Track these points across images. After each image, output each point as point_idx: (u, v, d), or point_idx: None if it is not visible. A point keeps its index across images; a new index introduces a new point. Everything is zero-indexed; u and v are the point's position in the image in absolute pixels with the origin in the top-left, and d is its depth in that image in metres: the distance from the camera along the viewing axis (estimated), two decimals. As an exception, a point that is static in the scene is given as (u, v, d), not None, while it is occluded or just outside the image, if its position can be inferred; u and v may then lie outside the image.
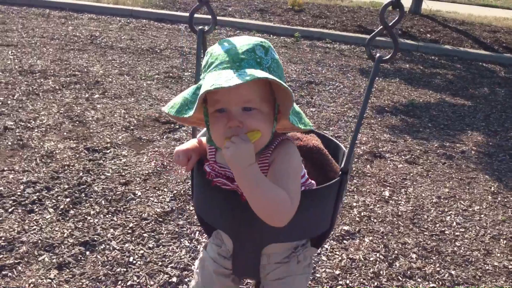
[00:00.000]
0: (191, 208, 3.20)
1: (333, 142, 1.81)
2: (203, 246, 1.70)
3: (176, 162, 1.53)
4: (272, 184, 1.22)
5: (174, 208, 3.18)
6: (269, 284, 1.53)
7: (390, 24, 1.59)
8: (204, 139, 1.57)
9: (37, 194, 3.16)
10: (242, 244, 1.46)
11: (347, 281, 2.69)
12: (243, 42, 1.27)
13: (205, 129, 1.55)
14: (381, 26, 1.60)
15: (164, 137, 4.20)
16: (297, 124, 1.29)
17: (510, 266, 2.97)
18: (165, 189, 3.39)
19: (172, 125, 4.45)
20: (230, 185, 1.36)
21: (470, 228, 3.34)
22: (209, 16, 1.82)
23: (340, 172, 1.52)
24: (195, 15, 1.82)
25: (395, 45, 1.60)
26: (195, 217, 3.10)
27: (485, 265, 2.96)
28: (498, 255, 3.09)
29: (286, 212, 1.23)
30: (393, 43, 1.59)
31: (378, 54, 1.64)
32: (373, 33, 1.65)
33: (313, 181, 1.54)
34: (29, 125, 4.12)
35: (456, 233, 3.26)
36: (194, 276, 1.69)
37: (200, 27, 1.79)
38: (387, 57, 1.62)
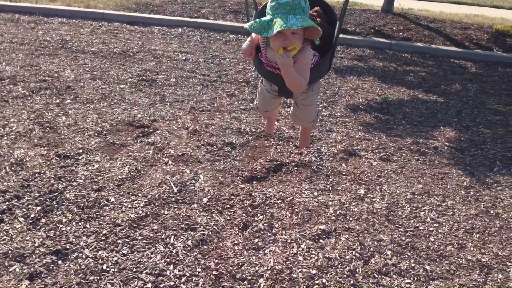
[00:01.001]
0: (166, 212, 3.17)
1: (329, 10, 2.94)
2: (260, 81, 3.07)
3: (245, 57, 3.50)
4: (297, 75, 2.44)
5: (148, 213, 3.14)
6: (298, 100, 2.93)
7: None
8: (254, 36, 2.66)
9: (7, 203, 3.08)
10: (283, 89, 2.71)
11: (324, 280, 2.70)
12: None
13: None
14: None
15: (138, 141, 4.15)
16: (317, 42, 2.50)
17: (483, 260, 3.02)
18: (139, 194, 3.35)
19: (146, 129, 4.40)
20: (274, 71, 2.59)
21: (444, 223, 3.39)
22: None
23: (332, 46, 2.69)
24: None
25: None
26: (170, 221, 3.07)
27: (459, 259, 3.00)
28: (472, 249, 3.13)
29: (302, 87, 2.52)
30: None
31: None
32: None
33: (317, 56, 2.64)
34: (-2, 132, 4.02)
35: (430, 229, 3.30)
36: (258, 96, 3.14)
37: None
38: None
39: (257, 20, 2.33)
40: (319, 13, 2.84)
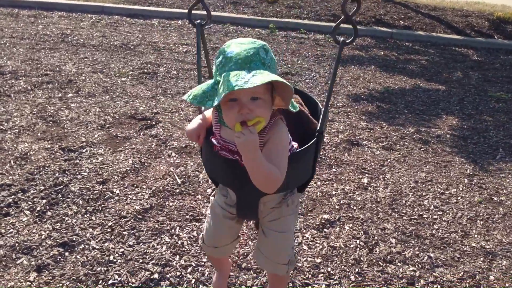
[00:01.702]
0: (171, 203, 3.18)
1: (312, 100, 2.18)
2: (212, 195, 2.10)
3: (190, 140, 2.15)
4: (268, 164, 1.58)
5: (153, 204, 3.16)
6: (266, 224, 1.94)
7: (350, 14, 1.87)
8: (207, 113, 1.89)
9: (12, 197, 3.10)
10: (243, 197, 1.86)
11: (329, 269, 2.71)
12: (249, 45, 1.57)
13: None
14: (343, 16, 1.90)
15: (141, 134, 4.16)
16: (292, 108, 1.75)
17: (487, 247, 3.03)
18: (144, 186, 3.36)
19: (149, 121, 4.41)
20: (231, 157, 1.73)
21: (448, 211, 3.40)
22: (202, 12, 1.98)
23: (317, 133, 1.87)
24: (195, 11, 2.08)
25: (355, 31, 1.94)
26: (175, 212, 3.09)
27: (463, 247, 3.02)
28: (476, 236, 3.15)
29: (277, 183, 1.60)
30: (354, 30, 1.93)
31: (342, 39, 1.95)
32: (336, 23, 1.97)
33: (295, 145, 1.88)
34: (1, 127, 4.04)
35: (434, 216, 3.31)
36: (207, 219, 2.09)
37: (198, 21, 2.09)
38: (349, 40, 1.95)
39: (200, 85, 1.60)
40: (298, 100, 2.10)
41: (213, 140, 1.78)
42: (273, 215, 1.90)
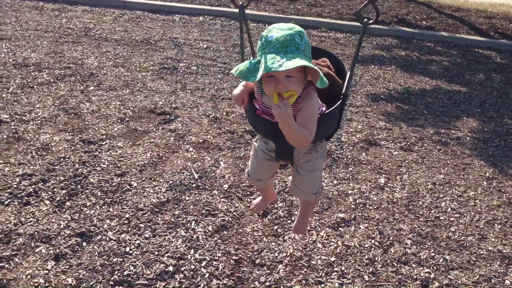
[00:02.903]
0: (187, 198, 3.21)
1: (337, 61, 2.41)
2: (255, 140, 2.42)
3: (236, 104, 2.70)
4: (299, 128, 1.92)
5: (170, 198, 3.19)
6: (300, 165, 2.29)
7: None
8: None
9: (33, 186, 3.17)
10: (281, 147, 2.19)
11: (343, 268, 2.71)
12: (286, 32, 1.85)
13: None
14: (366, 1, 2.14)
15: (160, 128, 4.20)
16: (321, 85, 1.93)
17: (504, 251, 3.00)
18: (161, 180, 3.40)
19: (167, 116, 4.45)
20: (272, 120, 2.03)
21: (465, 214, 3.36)
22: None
23: (342, 96, 2.15)
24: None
25: (376, 13, 2.15)
26: (191, 206, 3.12)
27: (480, 250, 2.99)
28: (493, 239, 3.11)
29: (306, 143, 1.99)
30: (376, 11, 2.14)
31: (365, 20, 2.16)
32: (362, 6, 2.19)
33: (323, 108, 2.13)
34: (24, 118, 4.12)
35: (451, 219, 3.28)
36: (251, 159, 2.45)
37: (240, 2, 2.28)
38: (372, 20, 2.16)
39: (245, 62, 1.93)
40: (327, 64, 2.36)
41: (256, 105, 2.12)
42: (305, 158, 2.25)
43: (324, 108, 2.14)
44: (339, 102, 2.12)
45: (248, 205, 3.21)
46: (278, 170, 2.56)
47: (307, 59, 1.85)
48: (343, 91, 2.17)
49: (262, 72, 1.76)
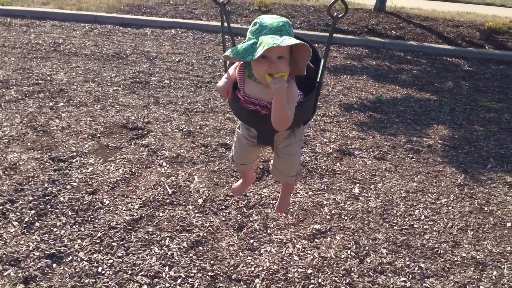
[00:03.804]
0: (161, 214, 3.16)
1: (312, 47, 2.36)
2: (237, 127, 2.56)
3: (221, 94, 2.49)
4: (287, 107, 2.04)
5: (143, 215, 3.14)
6: (280, 149, 2.46)
7: None
8: (230, 72, 2.29)
9: (0, 207, 3.07)
10: (263, 133, 2.36)
11: (319, 280, 2.70)
12: (278, 19, 2.04)
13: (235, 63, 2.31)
14: None
15: (132, 144, 4.14)
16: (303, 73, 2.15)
17: (478, 257, 3.03)
18: (134, 196, 3.34)
19: (140, 131, 4.39)
20: (253, 108, 2.19)
21: (438, 221, 3.40)
22: None
23: (317, 84, 2.29)
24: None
25: (345, 7, 2.30)
26: (165, 223, 3.07)
27: (454, 257, 3.02)
28: (466, 246, 3.15)
29: (288, 123, 2.09)
30: (345, 7, 2.30)
31: (335, 14, 2.31)
32: (331, 3, 2.34)
33: (301, 95, 2.24)
34: (-9, 137, 4.00)
35: (425, 226, 3.31)
36: (234, 145, 2.63)
37: (221, 0, 2.37)
38: (341, 15, 2.35)
39: (238, 45, 2.07)
40: None
41: (239, 95, 2.22)
42: (285, 143, 2.43)
43: (301, 96, 2.27)
44: (314, 90, 2.28)
45: (224, 219, 3.18)
46: (259, 154, 2.87)
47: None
48: (318, 79, 2.31)
49: (268, 46, 1.89)
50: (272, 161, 2.71)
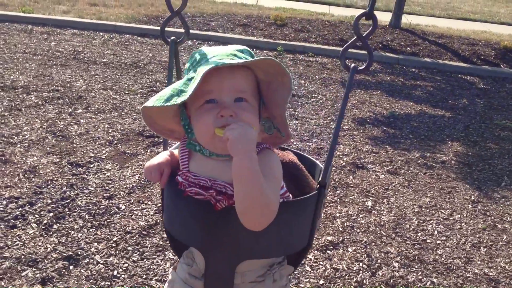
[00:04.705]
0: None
1: (308, 159, 1.71)
2: (172, 268, 1.58)
3: (148, 178, 1.41)
4: (263, 179, 1.15)
5: (158, 221, 3.19)
6: None
7: (364, 35, 1.55)
8: (175, 152, 1.51)
9: (20, 209, 3.14)
10: (215, 261, 1.34)
11: (331, 291, 2.72)
12: (230, 46, 1.33)
13: (176, 143, 1.56)
14: (355, 37, 1.56)
15: (148, 151, 4.21)
16: (280, 133, 1.39)
17: (490, 273, 3.03)
18: (149, 202, 3.39)
19: (156, 139, 4.46)
20: (204, 194, 1.26)
21: (451, 237, 3.40)
22: (183, 30, 1.87)
23: (318, 186, 1.47)
24: (172, 29, 1.92)
25: (369, 56, 1.58)
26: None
27: (466, 273, 3.02)
28: (479, 262, 3.15)
29: (271, 214, 1.17)
30: (368, 53, 1.57)
31: (353, 65, 1.63)
32: (347, 44, 1.61)
33: (290, 195, 1.45)
34: (11, 140, 4.10)
35: (438, 242, 3.32)
36: None
37: (172, 37, 1.79)
38: (362, 67, 1.61)
39: (165, 89, 1.33)
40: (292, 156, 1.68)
41: (179, 178, 1.34)
42: None
43: (289, 195, 1.44)
44: (315, 191, 1.45)
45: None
46: None
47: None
48: (320, 179, 1.49)
49: (207, 70, 1.16)
50: None
